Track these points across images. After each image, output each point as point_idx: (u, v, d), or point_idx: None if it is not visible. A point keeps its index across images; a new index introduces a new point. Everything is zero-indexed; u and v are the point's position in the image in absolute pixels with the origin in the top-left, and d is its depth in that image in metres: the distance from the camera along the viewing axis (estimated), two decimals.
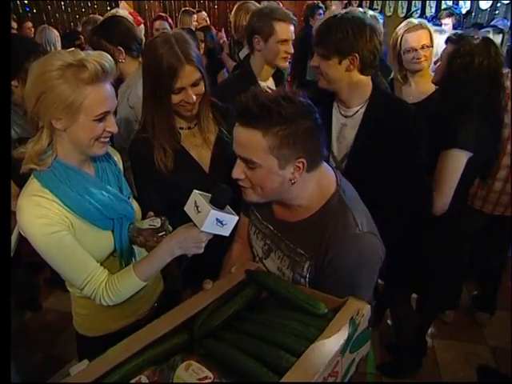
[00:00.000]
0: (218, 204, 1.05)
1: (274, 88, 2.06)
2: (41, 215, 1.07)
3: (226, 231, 1.08)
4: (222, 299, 1.08)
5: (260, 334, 0.95)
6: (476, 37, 1.73)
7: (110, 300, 1.16)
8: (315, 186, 1.10)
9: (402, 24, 2.27)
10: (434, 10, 5.59)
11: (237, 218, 1.09)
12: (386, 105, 1.58)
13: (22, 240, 1.24)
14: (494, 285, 2.63)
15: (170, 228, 1.24)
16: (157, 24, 3.62)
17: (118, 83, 2.02)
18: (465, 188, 1.78)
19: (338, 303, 0.96)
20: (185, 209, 1.09)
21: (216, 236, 1.10)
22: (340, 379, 0.88)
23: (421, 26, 2.17)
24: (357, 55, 1.48)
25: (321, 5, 4.60)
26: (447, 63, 1.76)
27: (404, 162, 1.52)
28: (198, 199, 1.06)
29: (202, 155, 1.49)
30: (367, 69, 1.53)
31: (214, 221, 1.05)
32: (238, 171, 1.07)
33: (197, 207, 1.06)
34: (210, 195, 1.08)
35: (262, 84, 2.01)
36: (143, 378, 0.85)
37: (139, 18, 3.29)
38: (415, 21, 2.24)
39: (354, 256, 1.04)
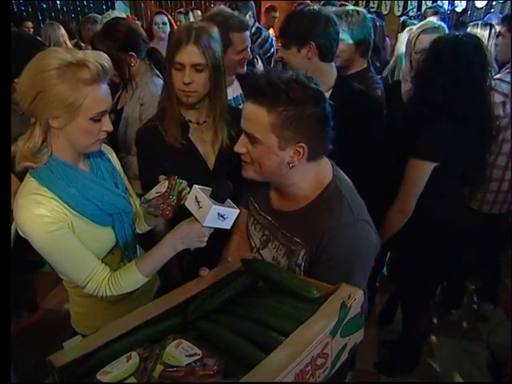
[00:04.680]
0: (218, 198, 1.06)
1: (239, 90, 2.04)
2: (42, 213, 1.06)
3: (227, 224, 1.09)
4: (217, 286, 1.09)
5: (251, 316, 0.96)
6: (455, 34, 1.68)
7: (114, 296, 1.16)
8: (313, 175, 1.11)
9: (421, 23, 2.24)
10: None
11: (238, 211, 1.10)
12: (348, 93, 1.64)
13: (19, 238, 1.23)
14: (495, 277, 2.65)
15: (185, 184, 1.21)
16: (156, 18, 3.65)
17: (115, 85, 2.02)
18: (433, 195, 1.72)
19: (331, 289, 0.97)
20: (185, 204, 1.09)
21: (217, 229, 1.11)
22: (330, 362, 0.89)
23: (437, 30, 2.09)
24: (313, 43, 1.60)
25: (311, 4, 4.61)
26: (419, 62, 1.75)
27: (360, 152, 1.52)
28: (198, 194, 1.06)
29: (208, 152, 1.51)
30: (326, 56, 1.64)
31: (215, 215, 1.05)
32: (241, 145, 1.09)
33: (198, 202, 1.06)
34: (209, 189, 1.08)
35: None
36: (134, 354, 0.86)
37: (136, 21, 3.27)
38: (433, 22, 2.19)
39: (348, 243, 1.05)
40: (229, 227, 1.10)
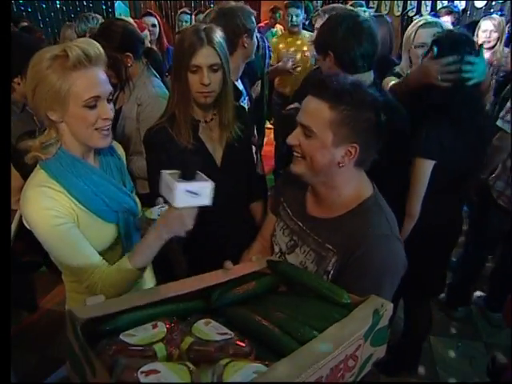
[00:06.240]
0: (185, 176, 1.04)
1: (241, 86, 2.11)
2: (49, 206, 1.07)
3: (204, 200, 1.06)
4: (241, 281, 1.07)
5: (282, 311, 0.93)
6: (454, 31, 1.70)
7: (110, 292, 1.14)
8: (355, 185, 1.14)
9: (418, 19, 2.26)
10: (429, 9, 5.62)
11: (210, 182, 1.07)
12: None
13: (18, 238, 1.23)
14: (508, 286, 2.56)
15: None
16: (144, 19, 3.57)
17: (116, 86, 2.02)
18: (439, 193, 1.73)
19: (360, 300, 0.94)
20: (160, 192, 1.08)
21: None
22: (358, 367, 0.87)
23: (435, 25, 2.13)
24: (331, 53, 1.53)
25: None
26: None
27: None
28: (166, 178, 1.05)
29: (216, 149, 1.54)
30: (349, 67, 1.52)
31: (184, 193, 1.03)
32: (294, 137, 1.12)
33: (168, 187, 1.05)
34: (178, 172, 1.06)
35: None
36: (160, 324, 0.82)
37: (143, 24, 3.25)
38: (430, 18, 2.23)
39: (383, 255, 1.06)
40: (208, 203, 1.07)
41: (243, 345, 0.79)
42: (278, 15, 5.58)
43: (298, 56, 3.68)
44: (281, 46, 3.87)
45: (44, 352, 2.43)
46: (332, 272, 1.11)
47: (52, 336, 2.48)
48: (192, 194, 1.04)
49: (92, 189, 1.14)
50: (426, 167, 1.66)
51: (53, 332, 2.48)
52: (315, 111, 1.07)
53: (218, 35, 1.41)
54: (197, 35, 1.37)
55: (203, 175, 1.08)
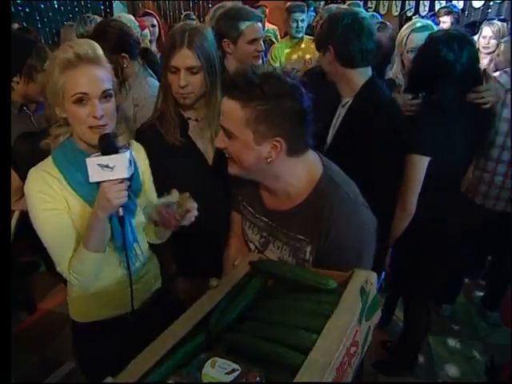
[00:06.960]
0: (104, 152, 1.06)
1: None
2: (42, 190, 1.14)
3: (120, 173, 1.06)
4: (232, 294, 1.08)
5: (277, 320, 0.95)
6: (444, 32, 1.72)
7: (77, 280, 1.20)
8: (303, 171, 1.10)
9: (408, 23, 2.28)
10: (427, 9, 5.62)
11: (123, 154, 1.06)
12: (372, 101, 1.59)
13: (17, 239, 1.24)
14: (505, 285, 2.53)
15: (194, 205, 1.20)
16: (143, 19, 3.50)
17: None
18: (435, 191, 1.73)
19: (345, 277, 0.97)
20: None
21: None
22: (360, 348, 0.89)
23: (427, 28, 2.15)
24: (331, 47, 1.58)
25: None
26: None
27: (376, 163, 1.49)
28: (87, 160, 1.07)
29: (207, 148, 1.53)
30: (347, 62, 1.59)
31: (96, 167, 1.05)
32: (220, 140, 1.09)
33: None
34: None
35: None
36: None
37: (144, 22, 3.23)
38: (422, 21, 2.25)
39: (354, 231, 1.06)
40: (126, 175, 1.07)
41: (253, 376, 0.80)
42: (261, 11, 5.44)
43: (301, 64, 3.42)
44: (293, 56, 3.54)
45: (43, 353, 2.43)
46: (311, 260, 1.11)
47: (51, 337, 2.48)
48: (106, 168, 1.05)
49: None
50: (420, 164, 1.66)
51: (52, 333, 2.49)
52: (230, 112, 1.03)
53: (203, 37, 1.39)
54: (179, 36, 1.36)
55: (126, 150, 1.10)
